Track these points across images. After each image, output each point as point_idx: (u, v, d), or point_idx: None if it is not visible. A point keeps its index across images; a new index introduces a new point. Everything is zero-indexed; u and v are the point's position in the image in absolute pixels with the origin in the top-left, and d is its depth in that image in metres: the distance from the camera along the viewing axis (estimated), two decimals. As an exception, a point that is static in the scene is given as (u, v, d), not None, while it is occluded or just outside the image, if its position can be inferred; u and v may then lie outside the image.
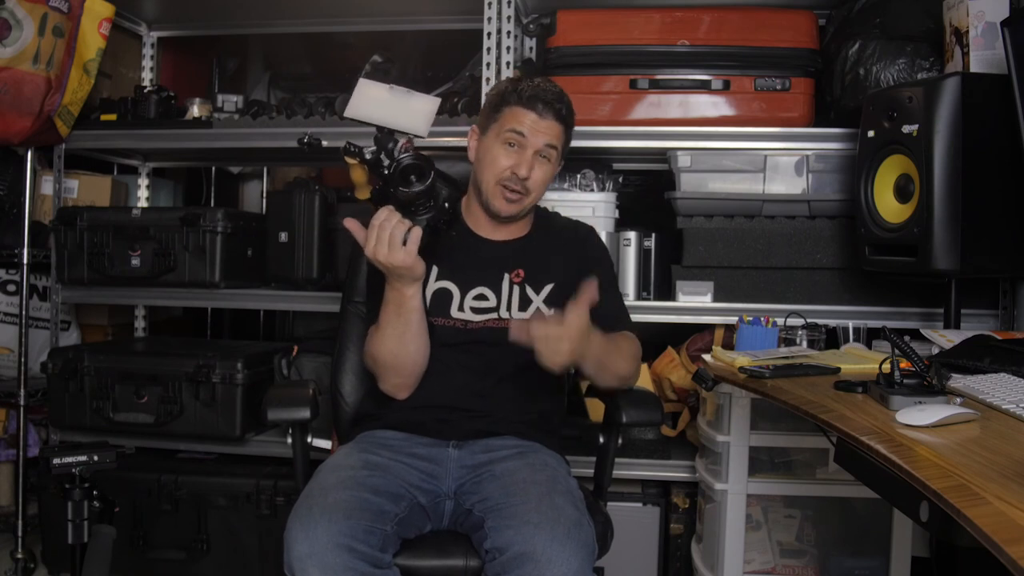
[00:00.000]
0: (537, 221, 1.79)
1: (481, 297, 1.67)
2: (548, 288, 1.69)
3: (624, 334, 1.67)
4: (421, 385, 1.64)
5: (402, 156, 1.47)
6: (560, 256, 1.73)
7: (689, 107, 2.35)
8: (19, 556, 2.51)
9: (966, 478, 0.90)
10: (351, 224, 1.49)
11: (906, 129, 1.85)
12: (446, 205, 1.50)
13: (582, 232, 1.80)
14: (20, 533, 2.51)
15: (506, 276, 1.69)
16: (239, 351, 2.54)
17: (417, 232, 1.46)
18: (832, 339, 2.04)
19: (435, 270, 1.67)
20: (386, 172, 1.48)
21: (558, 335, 1.40)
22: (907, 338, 1.33)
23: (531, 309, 1.67)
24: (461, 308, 1.66)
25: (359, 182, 1.64)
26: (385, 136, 1.52)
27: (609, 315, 1.69)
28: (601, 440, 1.72)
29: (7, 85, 2.36)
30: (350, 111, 1.56)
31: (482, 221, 1.73)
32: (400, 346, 1.57)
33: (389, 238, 1.45)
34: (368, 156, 1.50)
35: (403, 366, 1.60)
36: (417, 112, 1.56)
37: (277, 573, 1.40)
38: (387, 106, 1.55)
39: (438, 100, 1.60)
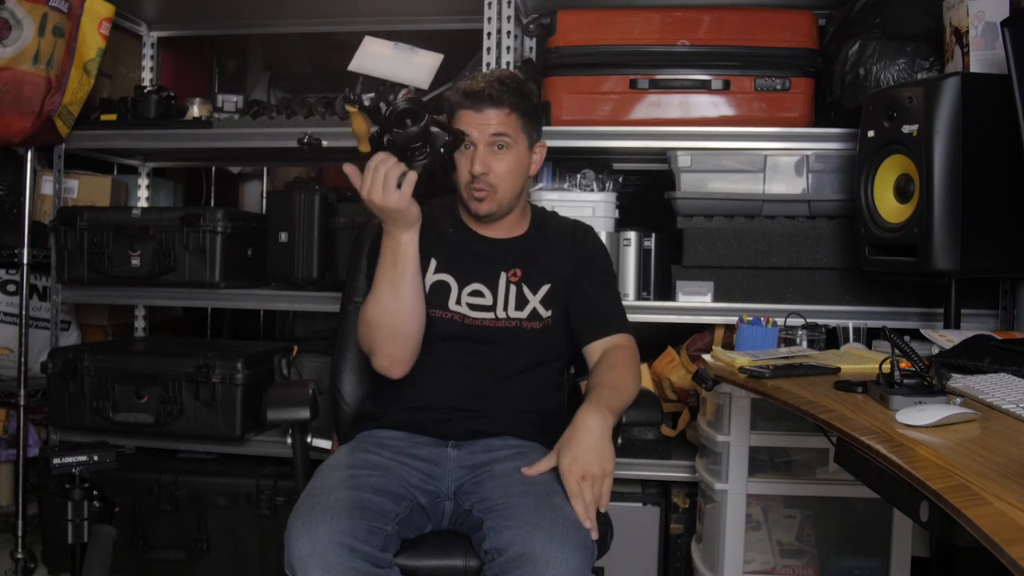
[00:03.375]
0: (535, 220, 1.79)
1: (477, 294, 1.67)
2: (545, 288, 1.69)
3: (613, 349, 1.65)
4: (420, 384, 1.64)
5: (398, 101, 1.49)
6: (558, 255, 1.73)
7: (689, 107, 2.35)
8: (19, 556, 2.51)
9: (966, 478, 0.90)
10: (349, 169, 1.50)
11: (906, 129, 1.85)
12: (442, 151, 1.51)
13: (580, 231, 1.80)
14: (20, 533, 2.51)
15: (503, 275, 1.69)
16: (239, 351, 2.54)
17: (412, 176, 1.48)
18: (832, 339, 2.04)
19: (433, 263, 1.68)
20: (383, 118, 1.49)
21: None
22: (907, 338, 1.33)
23: (527, 309, 1.67)
24: (459, 302, 1.67)
25: (360, 133, 1.63)
26: (387, 88, 1.53)
27: (605, 315, 1.69)
28: (601, 440, 1.71)
29: (7, 85, 2.36)
30: (354, 65, 1.57)
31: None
32: (394, 301, 1.56)
33: (384, 179, 1.46)
34: (367, 103, 1.51)
35: (398, 327, 1.58)
36: (419, 66, 1.57)
37: (277, 573, 1.40)
38: (390, 61, 1.56)
39: (440, 55, 1.60)
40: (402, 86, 1.54)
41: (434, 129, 1.51)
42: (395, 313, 1.57)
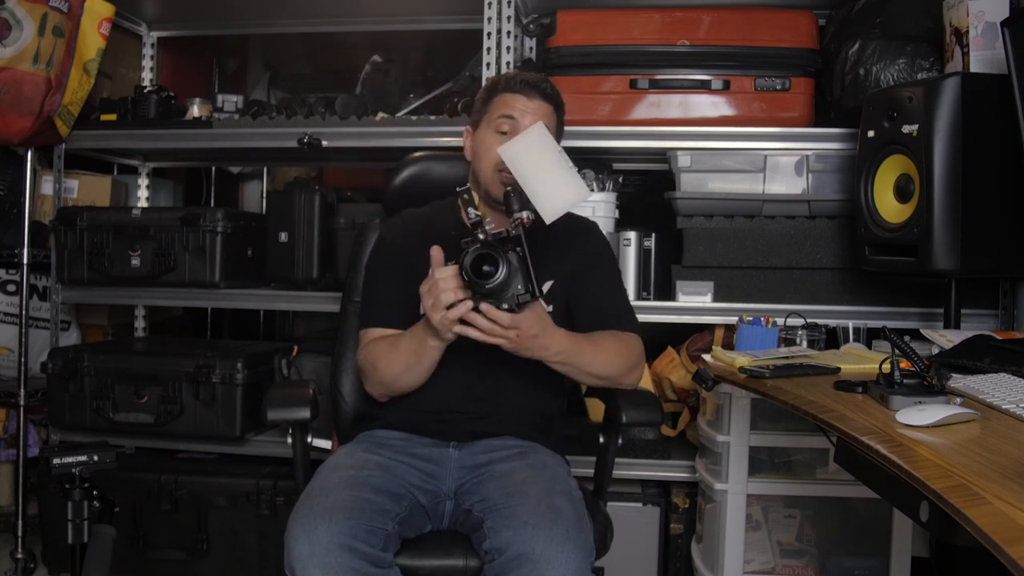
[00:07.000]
0: (539, 217, 1.78)
1: None
2: (548, 284, 1.68)
3: (614, 333, 1.65)
4: (421, 387, 1.63)
5: (480, 239, 1.41)
6: (562, 252, 1.72)
7: (689, 107, 2.35)
8: (19, 556, 2.51)
9: (966, 478, 0.90)
10: (435, 251, 1.47)
11: (906, 129, 1.85)
12: (518, 301, 1.43)
13: (583, 228, 1.79)
14: (20, 533, 2.51)
15: (506, 272, 1.69)
16: (239, 351, 2.54)
17: (466, 306, 1.43)
18: (832, 339, 2.04)
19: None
20: (463, 243, 1.43)
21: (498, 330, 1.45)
22: (907, 338, 1.33)
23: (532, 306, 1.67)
24: None
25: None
26: (513, 199, 1.50)
27: (613, 315, 1.69)
28: (601, 440, 1.71)
29: (7, 85, 2.36)
30: (506, 148, 1.52)
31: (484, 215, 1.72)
32: (406, 374, 1.59)
33: (440, 298, 1.43)
34: (472, 217, 1.46)
35: (400, 390, 1.62)
36: (558, 193, 1.51)
37: (277, 573, 1.40)
38: (540, 165, 1.51)
39: (588, 192, 1.55)
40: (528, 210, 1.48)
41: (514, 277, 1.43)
42: (403, 382, 1.61)
